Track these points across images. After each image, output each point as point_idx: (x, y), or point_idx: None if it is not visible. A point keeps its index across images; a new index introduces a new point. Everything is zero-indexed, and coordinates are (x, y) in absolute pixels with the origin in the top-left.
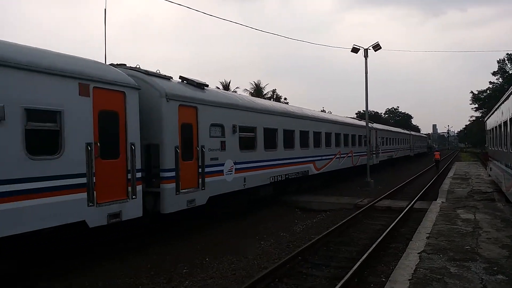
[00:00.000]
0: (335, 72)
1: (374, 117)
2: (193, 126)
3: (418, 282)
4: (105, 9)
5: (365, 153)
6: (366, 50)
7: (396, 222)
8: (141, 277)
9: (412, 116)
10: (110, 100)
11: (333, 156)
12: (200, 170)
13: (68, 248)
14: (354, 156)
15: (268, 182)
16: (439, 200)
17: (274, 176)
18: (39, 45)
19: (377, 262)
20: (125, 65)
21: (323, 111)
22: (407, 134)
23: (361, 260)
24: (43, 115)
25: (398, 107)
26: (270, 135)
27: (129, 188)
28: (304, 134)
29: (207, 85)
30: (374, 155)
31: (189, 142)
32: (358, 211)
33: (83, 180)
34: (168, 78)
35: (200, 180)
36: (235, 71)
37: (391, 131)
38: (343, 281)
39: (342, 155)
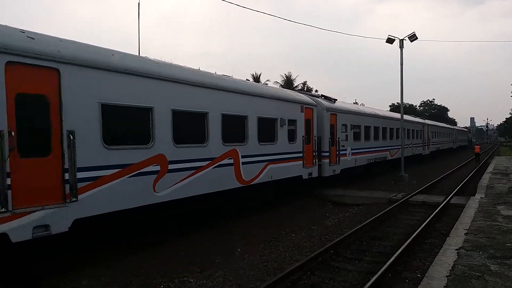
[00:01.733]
0: (368, 63)
1: (409, 109)
2: (334, 126)
3: (456, 279)
4: (138, 3)
5: (420, 144)
6: (401, 41)
7: (432, 217)
8: (175, 266)
9: (449, 108)
10: (308, 113)
11: (400, 146)
12: (337, 152)
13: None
14: (413, 147)
15: (365, 163)
16: (477, 196)
17: (369, 159)
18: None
19: (412, 258)
20: (293, 89)
21: (356, 102)
22: (451, 128)
23: (395, 255)
24: (291, 122)
25: (433, 99)
26: (367, 130)
27: (314, 161)
28: (384, 130)
29: (336, 99)
30: (426, 147)
31: (332, 135)
32: (392, 206)
33: (301, 154)
34: (318, 96)
35: (337, 158)
36: (267, 63)
37: (439, 126)
38: (376, 275)
39: (405, 146)
